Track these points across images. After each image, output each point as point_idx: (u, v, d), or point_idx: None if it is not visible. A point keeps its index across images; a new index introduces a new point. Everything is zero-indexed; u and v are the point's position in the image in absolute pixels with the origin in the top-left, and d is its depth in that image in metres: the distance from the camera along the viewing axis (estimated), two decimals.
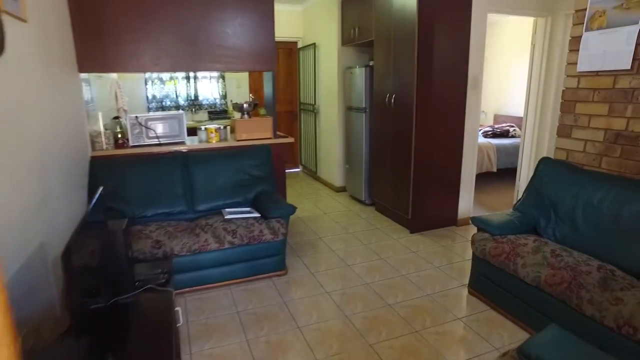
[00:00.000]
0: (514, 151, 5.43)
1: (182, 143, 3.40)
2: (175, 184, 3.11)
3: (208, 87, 5.73)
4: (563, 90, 2.81)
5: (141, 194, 2.99)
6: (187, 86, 5.60)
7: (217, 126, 3.51)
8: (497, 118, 6.72)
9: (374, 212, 4.46)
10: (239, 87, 5.93)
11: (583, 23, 2.61)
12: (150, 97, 5.39)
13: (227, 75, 5.84)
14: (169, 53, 3.20)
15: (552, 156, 2.91)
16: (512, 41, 6.27)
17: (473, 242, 2.62)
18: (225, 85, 5.81)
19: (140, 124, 3.22)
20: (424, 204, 3.81)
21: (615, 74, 2.47)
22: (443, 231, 3.89)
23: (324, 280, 2.97)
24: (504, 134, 5.90)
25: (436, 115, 3.66)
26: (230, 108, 5.86)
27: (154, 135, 3.27)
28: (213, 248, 2.74)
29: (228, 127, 3.65)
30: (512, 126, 6.02)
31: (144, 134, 3.25)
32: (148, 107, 5.41)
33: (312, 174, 6.10)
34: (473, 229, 3.95)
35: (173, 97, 5.55)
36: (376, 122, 4.27)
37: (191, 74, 5.59)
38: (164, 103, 5.50)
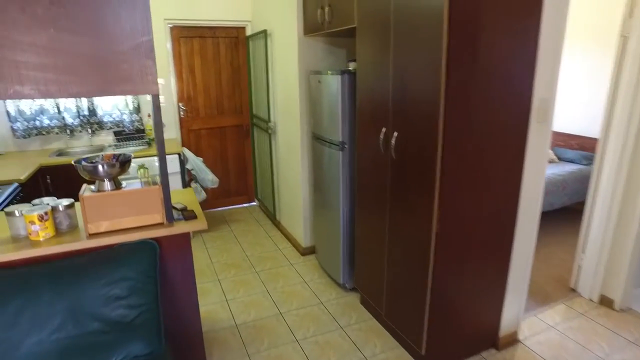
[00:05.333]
0: (556, 187, 3.82)
1: None
2: None
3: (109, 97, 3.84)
4: None
5: None
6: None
7: (44, 210, 1.71)
8: None
9: (359, 310, 2.78)
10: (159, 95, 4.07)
11: None
12: (13, 113, 3.49)
13: None
14: None
15: None
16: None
17: None
18: None
19: None
20: (447, 321, 2.16)
21: None
22: None
23: None
24: None
25: (474, 170, 1.97)
26: (148, 125, 4.03)
27: None
28: None
29: (76, 207, 1.85)
30: None
31: None
32: (12, 128, 3.52)
33: (271, 215, 4.35)
34: (523, 355, 2.35)
35: (54, 113, 3.66)
36: (362, 170, 2.54)
37: None
38: (38, 122, 3.60)
